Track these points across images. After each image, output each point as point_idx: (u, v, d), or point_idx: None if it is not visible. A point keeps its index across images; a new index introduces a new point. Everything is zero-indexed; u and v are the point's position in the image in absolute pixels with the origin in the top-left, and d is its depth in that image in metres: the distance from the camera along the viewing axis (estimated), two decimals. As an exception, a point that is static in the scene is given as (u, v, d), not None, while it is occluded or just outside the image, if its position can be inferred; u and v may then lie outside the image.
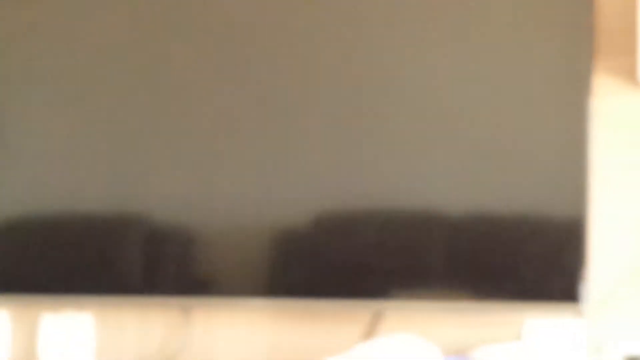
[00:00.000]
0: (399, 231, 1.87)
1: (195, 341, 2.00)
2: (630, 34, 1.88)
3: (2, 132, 2.00)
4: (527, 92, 1.84)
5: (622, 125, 1.89)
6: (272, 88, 1.92)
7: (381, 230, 1.88)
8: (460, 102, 1.85)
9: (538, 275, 1.81)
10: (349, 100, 1.89)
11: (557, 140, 1.82)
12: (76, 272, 1.95)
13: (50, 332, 2.03)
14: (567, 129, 1.82)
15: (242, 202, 1.91)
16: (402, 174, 1.87)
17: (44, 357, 2.02)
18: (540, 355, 1.79)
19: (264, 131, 1.91)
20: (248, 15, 1.93)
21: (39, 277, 1.96)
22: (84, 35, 1.98)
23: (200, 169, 1.93)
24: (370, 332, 1.94)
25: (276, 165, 1.91)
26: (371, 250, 1.88)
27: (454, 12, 1.86)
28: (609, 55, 1.90)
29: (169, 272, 1.95)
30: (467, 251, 1.85)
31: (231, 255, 1.92)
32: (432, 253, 1.87)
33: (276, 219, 1.91)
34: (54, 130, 1.98)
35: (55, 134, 1.98)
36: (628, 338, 1.87)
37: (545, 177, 1.82)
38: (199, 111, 1.93)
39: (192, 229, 1.94)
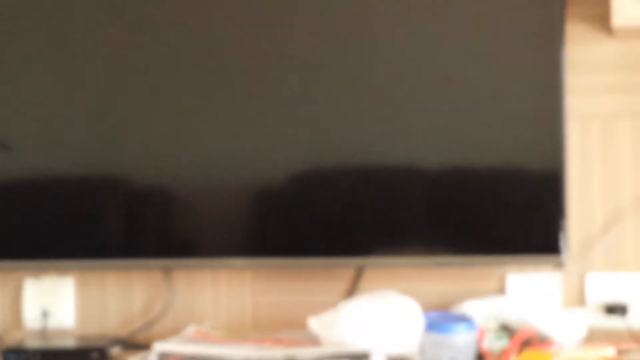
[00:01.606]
0: (378, 188, 1.88)
1: (178, 301, 2.00)
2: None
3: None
4: (500, 43, 1.83)
5: (596, 73, 1.89)
6: (249, 46, 1.90)
7: (360, 187, 1.88)
8: (435, 56, 1.84)
9: (518, 229, 1.82)
10: (326, 58, 1.87)
11: (532, 90, 1.82)
12: (57, 237, 1.94)
13: (34, 296, 2.03)
14: (541, 78, 1.81)
15: (221, 162, 1.90)
16: (379, 130, 1.86)
17: (28, 320, 2.03)
18: (521, 307, 1.80)
19: (242, 90, 1.90)
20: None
21: (20, 243, 1.95)
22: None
23: (179, 130, 1.92)
24: (352, 289, 1.95)
25: (254, 124, 1.90)
26: (351, 208, 1.88)
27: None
28: (582, 2, 1.88)
29: (149, 234, 1.95)
30: (447, 206, 1.85)
31: (211, 216, 1.91)
32: (412, 208, 1.87)
33: (255, 178, 1.90)
34: (31, 94, 1.95)
35: (33, 98, 1.95)
36: (609, 287, 1.89)
37: (522, 128, 1.82)
38: (177, 71, 1.91)
39: (172, 190, 1.93)
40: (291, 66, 1.89)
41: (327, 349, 1.67)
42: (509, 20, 1.82)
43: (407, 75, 1.85)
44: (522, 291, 1.89)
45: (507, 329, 1.79)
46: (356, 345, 1.67)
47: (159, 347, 1.72)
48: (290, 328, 1.92)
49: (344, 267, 1.94)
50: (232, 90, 1.90)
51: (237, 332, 1.94)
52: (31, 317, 2.03)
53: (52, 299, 2.02)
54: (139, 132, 1.93)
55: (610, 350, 1.68)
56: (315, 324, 1.73)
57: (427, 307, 1.81)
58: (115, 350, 1.87)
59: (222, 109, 1.90)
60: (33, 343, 1.92)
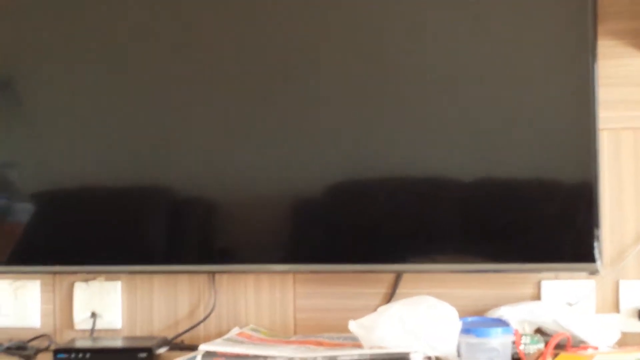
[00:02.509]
0: (415, 197, 1.91)
1: (221, 304, 2.05)
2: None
3: (30, 109, 2.04)
4: (534, 57, 1.86)
5: (628, 87, 1.93)
6: (289, 62, 1.95)
7: (398, 196, 1.92)
8: (469, 68, 1.88)
9: (553, 238, 1.85)
10: (361, 71, 1.92)
11: (565, 104, 1.85)
12: (106, 243, 2.00)
13: (84, 299, 2.09)
14: (574, 92, 1.84)
15: (261, 172, 1.95)
16: (415, 141, 1.90)
17: (78, 322, 2.09)
18: (556, 312, 1.84)
19: (282, 103, 1.95)
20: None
21: (72, 249, 2.01)
22: (107, 8, 2.01)
23: (222, 143, 1.97)
24: (391, 293, 2.00)
25: (294, 136, 1.94)
26: (389, 216, 1.92)
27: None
28: (615, 18, 1.92)
29: (194, 241, 2.00)
30: (484, 216, 1.88)
31: (253, 224, 1.96)
32: (449, 217, 1.90)
33: (296, 188, 1.95)
34: (80, 107, 2.01)
35: (82, 110, 2.01)
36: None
37: (556, 140, 1.85)
38: (219, 84, 1.97)
39: (215, 200, 1.98)
40: (329, 81, 1.93)
41: (367, 351, 1.71)
42: (543, 36, 1.86)
43: (443, 89, 1.89)
44: (556, 298, 1.93)
45: (542, 333, 1.83)
46: (395, 347, 1.71)
47: (204, 347, 1.77)
48: (331, 331, 1.96)
49: (382, 274, 1.99)
50: (273, 104, 1.95)
51: (279, 335, 2.00)
52: (81, 318, 2.09)
53: (101, 302, 2.08)
54: (184, 145, 1.98)
55: (644, 354, 1.72)
56: (355, 327, 1.76)
57: (463, 312, 1.83)
58: (162, 351, 1.93)
59: (264, 122, 1.95)
60: (83, 343, 1.98)
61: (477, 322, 1.79)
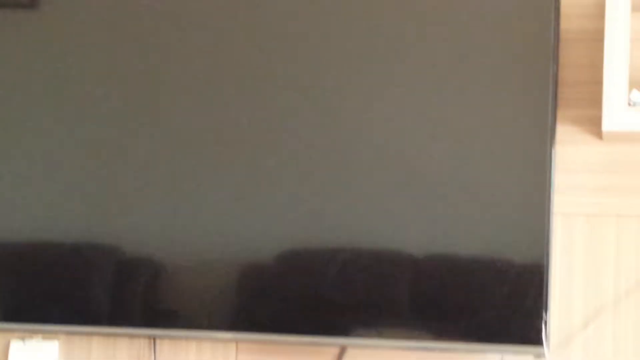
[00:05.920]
0: (363, 270, 1.89)
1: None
2: (597, 85, 1.91)
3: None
4: (491, 138, 1.87)
5: (584, 174, 1.94)
6: (240, 125, 1.94)
7: (346, 268, 1.90)
8: (425, 145, 1.89)
9: (500, 318, 1.84)
10: (314, 140, 1.92)
11: (520, 186, 1.85)
12: (45, 301, 1.96)
13: (19, 358, 2.04)
14: (530, 175, 1.85)
15: (209, 236, 1.93)
16: (367, 214, 1.89)
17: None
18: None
19: (232, 167, 1.93)
20: (225, 55, 1.96)
21: (8, 305, 1.97)
22: (62, 61, 2.00)
23: (169, 202, 1.95)
24: (334, 367, 1.97)
25: (243, 201, 1.93)
26: (336, 288, 1.90)
27: (421, 61, 1.89)
28: (575, 106, 1.94)
29: (136, 303, 1.97)
30: (432, 292, 1.87)
31: (198, 288, 1.93)
32: (396, 292, 1.89)
33: (243, 254, 1.92)
34: (24, 158, 1.99)
35: (25, 163, 1.99)
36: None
37: (509, 221, 1.85)
38: (169, 145, 1.95)
39: (160, 262, 1.95)
40: (281, 148, 1.92)
41: None
42: (501, 119, 1.87)
43: (396, 162, 1.89)
44: (501, 379, 1.91)
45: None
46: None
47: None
48: (271, 402, 1.93)
49: (326, 347, 1.96)
50: (223, 167, 1.94)
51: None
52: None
53: (38, 361, 2.04)
54: (131, 202, 1.95)
55: None
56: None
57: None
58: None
59: (214, 185, 1.94)
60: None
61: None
